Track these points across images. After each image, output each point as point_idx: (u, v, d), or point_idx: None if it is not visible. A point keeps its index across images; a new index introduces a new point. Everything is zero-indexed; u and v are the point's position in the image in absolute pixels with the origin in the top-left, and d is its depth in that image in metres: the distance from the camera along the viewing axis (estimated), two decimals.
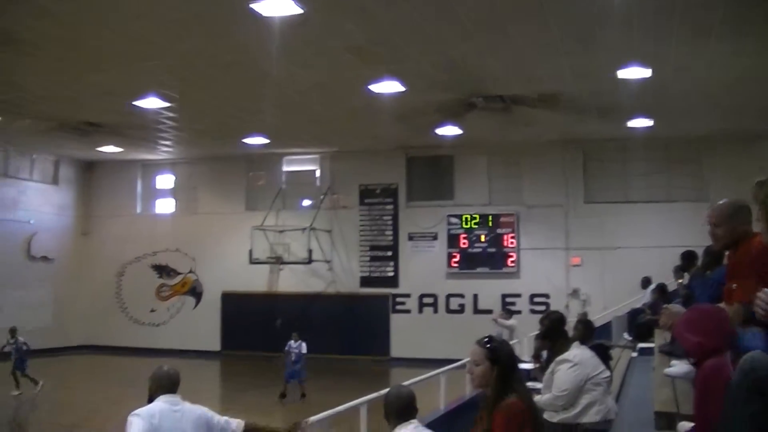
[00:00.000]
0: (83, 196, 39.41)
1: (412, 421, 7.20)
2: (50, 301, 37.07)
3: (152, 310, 38.07)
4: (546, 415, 9.17)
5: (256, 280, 35.49)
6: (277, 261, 34.24)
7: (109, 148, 34.22)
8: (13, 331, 26.34)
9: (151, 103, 25.14)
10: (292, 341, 24.43)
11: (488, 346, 6.25)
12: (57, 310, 37.32)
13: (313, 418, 9.40)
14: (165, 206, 39.35)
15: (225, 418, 8.19)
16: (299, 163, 35.90)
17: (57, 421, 20.90)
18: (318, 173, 35.88)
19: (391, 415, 7.23)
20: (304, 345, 24.34)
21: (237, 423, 8.26)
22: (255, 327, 35.13)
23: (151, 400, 7.92)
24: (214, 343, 36.32)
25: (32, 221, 36.42)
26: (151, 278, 38.21)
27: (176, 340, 36.41)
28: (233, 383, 29.07)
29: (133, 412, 7.75)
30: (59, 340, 36.66)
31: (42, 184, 37.52)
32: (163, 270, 38.04)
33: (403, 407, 7.23)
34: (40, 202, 37.16)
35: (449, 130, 28.98)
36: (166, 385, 8.01)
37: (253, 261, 34.03)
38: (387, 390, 7.58)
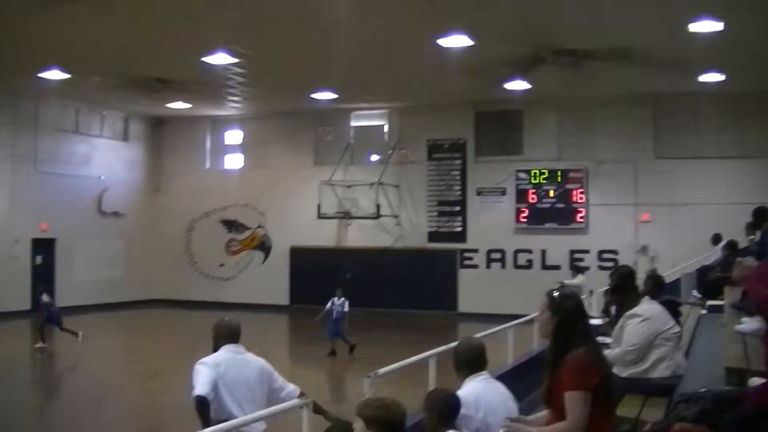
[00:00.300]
0: (153, 152, 39.80)
1: (482, 373, 7.23)
2: (122, 256, 37.62)
3: (221, 265, 38.44)
4: (615, 370, 9.13)
5: (324, 235, 35.67)
6: (345, 216, 34.38)
7: (178, 105, 34.48)
8: (42, 290, 26.60)
9: (220, 59, 25.25)
10: (336, 298, 24.12)
11: (551, 296, 6.24)
12: (128, 264, 37.86)
13: (382, 370, 9.46)
14: (234, 162, 39.60)
15: (282, 379, 8.40)
16: (367, 118, 35.88)
17: (127, 371, 21.24)
18: (386, 128, 35.83)
19: (462, 366, 7.27)
20: (347, 303, 24.08)
21: (294, 388, 8.43)
22: (323, 282, 35.21)
23: (215, 351, 8.18)
24: (283, 298, 36.60)
25: (103, 177, 36.87)
26: (221, 233, 38.55)
27: (245, 295, 36.73)
28: (301, 337, 29.32)
29: (199, 361, 7.91)
30: (131, 294, 37.23)
31: (112, 141, 37.93)
32: (232, 225, 38.35)
33: (473, 358, 7.26)
34: (111, 159, 37.58)
35: (518, 85, 28.75)
36: (228, 335, 8.23)
37: (321, 216, 34.22)
38: (457, 342, 7.61)
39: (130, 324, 32.77)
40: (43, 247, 34.32)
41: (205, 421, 7.53)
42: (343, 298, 23.94)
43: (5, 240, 32.46)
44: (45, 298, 25.52)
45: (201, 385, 7.72)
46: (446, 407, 6.48)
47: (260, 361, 8.35)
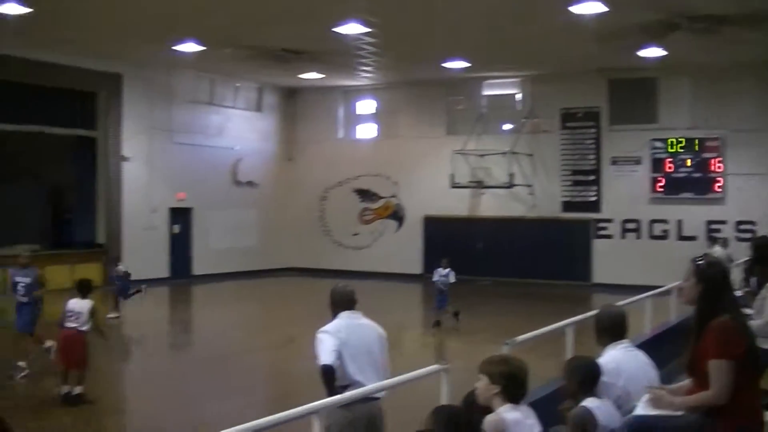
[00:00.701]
0: (286, 122, 40.21)
1: (623, 341, 7.15)
2: (256, 225, 38.19)
3: (355, 234, 38.69)
4: (758, 342, 8.94)
5: (457, 205, 35.60)
6: (478, 185, 34.27)
7: (311, 75, 34.73)
8: (116, 260, 27.20)
9: (352, 28, 25.31)
10: (441, 268, 23.73)
11: (697, 263, 6.15)
12: (262, 233, 38.42)
13: (520, 338, 9.42)
14: (366, 131, 39.77)
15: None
16: (499, 87, 35.59)
17: (261, 338, 21.53)
18: (518, 97, 35.53)
19: (603, 333, 7.20)
20: (452, 274, 23.67)
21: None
22: (457, 251, 35.22)
23: (334, 318, 8.22)
24: (416, 267, 36.68)
25: (237, 147, 37.40)
26: (354, 202, 38.80)
27: (378, 264, 36.96)
28: (433, 306, 29.30)
29: (320, 330, 7.95)
30: (264, 262, 37.80)
31: (246, 112, 38.43)
32: (365, 194, 38.54)
33: (614, 326, 7.18)
34: (245, 129, 38.10)
35: (652, 52, 28.19)
36: (344, 302, 8.23)
37: (454, 185, 34.14)
38: (597, 311, 7.53)
39: (264, 292, 33.24)
40: (180, 216, 35.01)
41: (330, 389, 7.62)
42: (448, 269, 23.51)
43: (143, 210, 33.22)
44: (121, 267, 26.01)
45: (326, 354, 7.78)
46: (587, 375, 6.44)
47: (378, 328, 8.40)
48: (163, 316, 27.78)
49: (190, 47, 28.57)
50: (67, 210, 34.56)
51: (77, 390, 13.52)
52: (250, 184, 37.88)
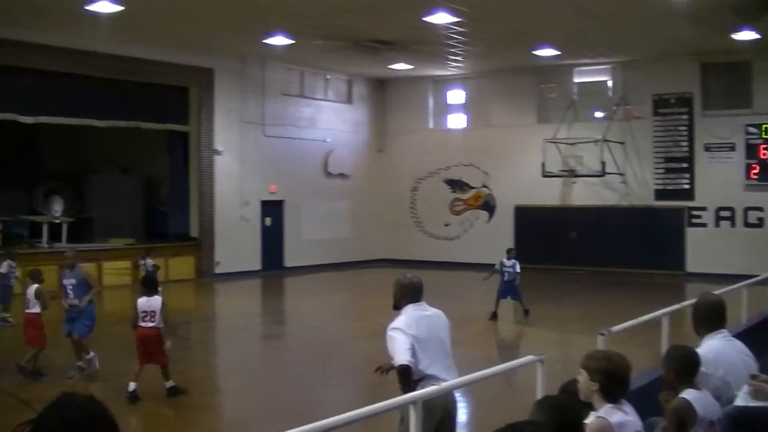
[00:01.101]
0: (376, 113, 40.29)
1: (722, 330, 7.06)
2: (347, 216, 38.35)
3: (446, 224, 38.64)
4: None
5: (548, 194, 35.34)
6: (570, 174, 33.99)
7: (400, 66, 34.79)
8: (145, 253, 27.36)
9: (441, 18, 25.28)
10: (505, 258, 22.88)
11: None
12: (354, 224, 38.58)
13: (615, 328, 9.34)
14: (457, 121, 39.69)
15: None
16: (590, 74, 35.24)
17: (352, 328, 21.64)
18: (610, 83, 35.15)
19: (701, 323, 7.11)
20: (518, 264, 23.12)
21: None
22: (548, 240, 35.11)
23: (396, 307, 8.13)
24: None
25: (328, 140, 37.59)
26: (445, 192, 38.73)
27: (470, 254, 36.86)
28: (526, 296, 29.21)
29: (391, 327, 7.87)
30: (356, 253, 37.97)
31: (336, 103, 38.61)
32: (456, 184, 38.46)
33: (713, 315, 7.09)
34: (336, 121, 38.26)
35: (746, 35, 27.69)
36: (412, 293, 8.10)
37: (545, 174, 33.90)
38: (695, 299, 7.44)
39: (356, 283, 33.38)
40: (272, 208, 35.30)
41: (407, 387, 7.49)
42: (513, 259, 22.93)
43: (236, 202, 33.54)
44: (150, 260, 26.31)
45: (402, 354, 7.66)
46: (686, 364, 6.35)
47: (444, 316, 8.31)
48: (258, 307, 28.07)
49: (280, 40, 28.80)
50: (162, 203, 35.05)
51: (169, 384, 13.64)
52: (341, 175, 38.04)
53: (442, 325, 8.14)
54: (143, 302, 13.94)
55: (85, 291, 15.58)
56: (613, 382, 5.61)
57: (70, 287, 15.52)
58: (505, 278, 22.46)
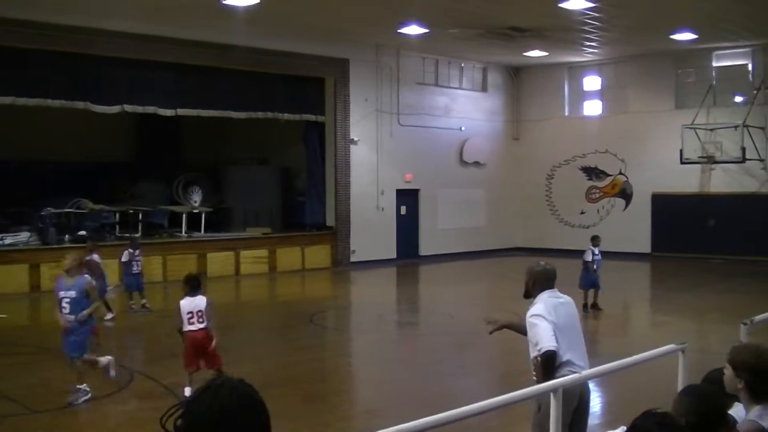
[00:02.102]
0: (511, 101, 40.09)
1: None
2: (483, 205, 38.31)
3: (582, 212, 38.26)
4: None
5: (686, 181, 34.69)
6: (709, 160, 33.26)
7: (535, 53, 34.61)
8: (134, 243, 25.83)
9: (577, 3, 25.05)
10: (593, 247, 22.13)
11: None
12: (489, 213, 38.51)
13: (758, 317, 9.13)
14: (592, 108, 39.25)
15: None
16: (730, 58, 34.44)
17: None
18: (750, 67, 34.28)
19: None
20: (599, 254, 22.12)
21: None
22: (686, 228, 34.48)
23: (527, 295, 8.07)
24: (645, 245, 35.99)
25: (463, 128, 37.53)
26: (581, 180, 38.35)
27: (606, 242, 36.20)
28: (663, 285, 28.79)
29: (532, 314, 7.80)
30: (492, 242, 37.94)
31: (471, 92, 38.53)
32: (592, 172, 38.04)
33: None
34: (470, 109, 38.18)
35: None
36: (545, 280, 8.03)
37: (683, 161, 33.26)
38: None
39: (492, 272, 33.27)
40: (407, 197, 35.40)
41: (549, 373, 7.49)
42: (598, 247, 22.15)
43: (373, 192, 33.75)
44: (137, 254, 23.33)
45: (548, 340, 7.61)
46: None
47: (574, 304, 8.23)
48: (393, 295, 28.23)
49: (414, 29, 28.93)
50: (298, 193, 35.48)
51: None
52: (476, 164, 37.98)
53: (575, 313, 8.12)
54: (186, 303, 12.79)
55: (83, 306, 12.79)
56: (761, 379, 5.34)
57: (67, 301, 12.78)
58: (596, 267, 21.71)
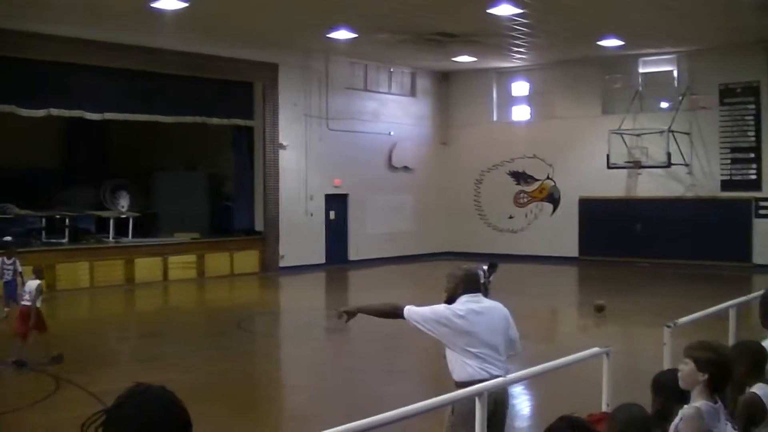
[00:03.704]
0: (440, 106, 40.23)
1: None
2: (412, 209, 38.38)
3: (510, 217, 38.48)
4: None
5: (613, 185, 35.02)
6: (636, 165, 33.66)
7: (464, 58, 34.73)
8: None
9: (505, 9, 25.19)
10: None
11: None
12: (418, 217, 38.58)
13: (681, 320, 9.25)
14: (520, 113, 39.54)
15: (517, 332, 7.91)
16: (655, 64, 34.90)
17: None
18: (675, 74, 34.75)
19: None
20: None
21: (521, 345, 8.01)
22: (613, 232, 34.86)
23: (450, 301, 7.78)
24: (572, 249, 36.33)
25: (392, 133, 37.60)
26: (509, 185, 38.55)
27: (534, 247, 36.77)
28: (589, 289, 29.08)
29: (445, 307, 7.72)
30: (421, 246, 38.00)
31: (400, 97, 38.63)
32: (520, 176, 38.28)
33: None
34: (399, 114, 38.25)
35: None
36: (467, 283, 7.78)
37: (610, 166, 33.63)
38: (762, 291, 7.33)
39: (420, 276, 33.33)
40: (336, 202, 35.39)
41: (382, 315, 8.42)
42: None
43: (301, 197, 33.67)
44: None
45: (417, 309, 7.82)
46: (754, 359, 6.26)
47: (502, 309, 7.87)
48: (322, 301, 28.20)
49: (343, 34, 28.90)
50: (227, 198, 35.31)
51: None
52: (405, 168, 38.07)
53: (500, 317, 7.75)
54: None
55: None
56: (721, 373, 5.52)
57: None
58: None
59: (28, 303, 15.73)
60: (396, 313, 7.91)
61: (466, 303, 7.64)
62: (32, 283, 16.04)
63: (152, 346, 18.58)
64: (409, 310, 7.76)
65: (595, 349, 8.09)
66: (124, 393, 3.12)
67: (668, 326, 8.91)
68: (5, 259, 20.92)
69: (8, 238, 27.44)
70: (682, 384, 5.58)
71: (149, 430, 3.02)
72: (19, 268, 20.80)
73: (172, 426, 3.09)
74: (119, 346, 19.31)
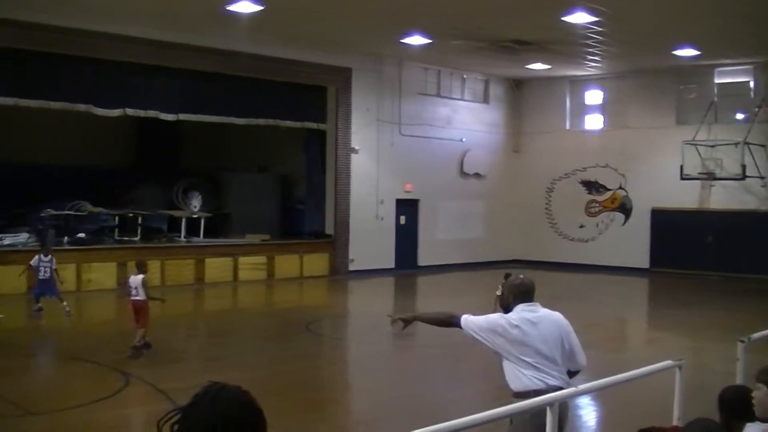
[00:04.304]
0: (513, 113, 40.12)
1: None
2: (482, 217, 38.32)
3: (581, 226, 38.27)
4: None
5: (686, 197, 34.68)
6: (709, 177, 33.28)
7: (537, 66, 34.63)
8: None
9: (579, 18, 25.07)
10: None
11: None
12: (488, 225, 38.51)
13: (756, 335, 9.14)
14: (593, 122, 39.27)
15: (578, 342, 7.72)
16: (732, 75, 34.41)
17: None
18: (752, 84, 34.27)
19: None
20: None
21: (584, 358, 7.77)
22: (685, 244, 34.48)
23: (507, 310, 7.75)
24: (643, 260, 36.01)
25: (464, 139, 37.56)
26: (580, 194, 38.35)
27: (604, 257, 36.51)
28: (660, 300, 28.78)
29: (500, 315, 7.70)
30: (490, 254, 37.84)
31: (473, 103, 38.56)
32: (592, 186, 38.05)
33: None
34: (472, 121, 38.20)
35: None
36: (522, 292, 7.71)
37: (683, 177, 33.29)
38: None
39: (488, 283, 33.11)
40: (407, 207, 35.41)
41: (436, 324, 8.18)
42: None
43: (372, 201, 33.76)
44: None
45: (473, 318, 7.78)
46: None
47: (558, 318, 7.75)
48: (390, 305, 28.21)
49: (417, 40, 28.97)
50: (298, 201, 35.50)
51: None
52: (476, 175, 38.00)
53: (557, 326, 7.64)
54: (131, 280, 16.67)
55: None
56: None
57: None
58: None
59: (137, 297, 16.35)
60: (452, 322, 7.89)
61: (521, 312, 7.59)
62: (136, 279, 16.53)
63: (220, 346, 18.76)
64: (466, 319, 7.75)
65: (668, 362, 8.01)
66: (200, 391, 3.16)
67: (741, 341, 8.82)
68: (42, 256, 21.33)
69: (81, 235, 27.92)
70: (758, 412, 5.45)
71: (224, 428, 3.06)
72: (55, 266, 21.29)
73: (246, 426, 3.12)
74: (188, 345, 19.53)
